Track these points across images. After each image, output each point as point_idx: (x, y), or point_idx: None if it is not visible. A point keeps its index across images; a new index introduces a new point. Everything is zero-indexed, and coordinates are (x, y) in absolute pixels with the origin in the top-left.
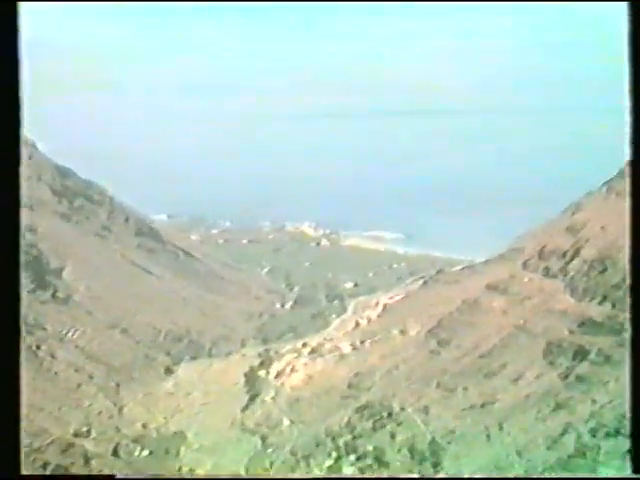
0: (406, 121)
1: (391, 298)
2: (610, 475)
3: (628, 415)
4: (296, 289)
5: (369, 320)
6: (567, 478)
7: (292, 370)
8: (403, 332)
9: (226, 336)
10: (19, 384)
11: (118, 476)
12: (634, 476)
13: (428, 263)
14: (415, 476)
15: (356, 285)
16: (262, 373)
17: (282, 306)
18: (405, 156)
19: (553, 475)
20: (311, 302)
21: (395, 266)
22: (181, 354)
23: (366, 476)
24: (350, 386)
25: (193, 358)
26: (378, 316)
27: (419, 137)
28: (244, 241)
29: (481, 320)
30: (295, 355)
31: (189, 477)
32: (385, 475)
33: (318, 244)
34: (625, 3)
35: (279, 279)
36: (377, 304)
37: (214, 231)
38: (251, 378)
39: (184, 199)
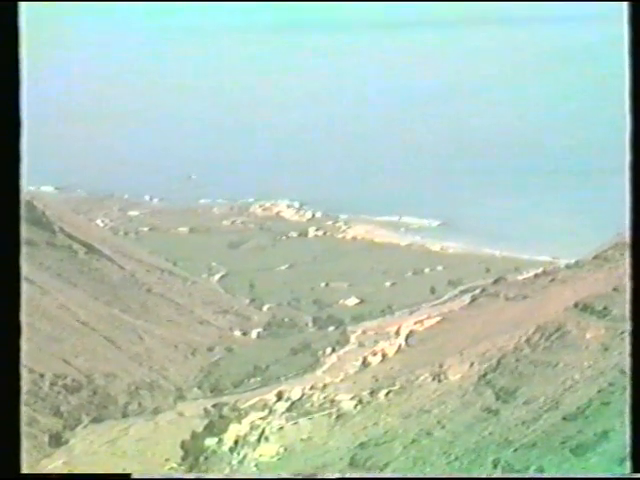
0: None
1: (420, 323)
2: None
3: (628, 415)
4: (267, 307)
5: (384, 357)
6: (567, 478)
7: (260, 438)
8: (439, 377)
9: (153, 383)
10: (19, 384)
11: (134, 475)
12: (634, 476)
13: (478, 265)
14: (414, 476)
15: (363, 301)
16: (211, 443)
17: (244, 334)
18: (422, 101)
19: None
20: (291, 328)
21: (427, 270)
22: (78, 413)
23: (366, 476)
24: (353, 464)
25: (98, 420)
26: (399, 351)
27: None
28: (182, 229)
29: (567, 359)
30: (264, 413)
31: (204, 477)
32: None
33: (304, 235)
34: (625, 3)
35: (240, 291)
36: (398, 332)
37: (132, 213)
38: (192, 451)
39: (81, 163)
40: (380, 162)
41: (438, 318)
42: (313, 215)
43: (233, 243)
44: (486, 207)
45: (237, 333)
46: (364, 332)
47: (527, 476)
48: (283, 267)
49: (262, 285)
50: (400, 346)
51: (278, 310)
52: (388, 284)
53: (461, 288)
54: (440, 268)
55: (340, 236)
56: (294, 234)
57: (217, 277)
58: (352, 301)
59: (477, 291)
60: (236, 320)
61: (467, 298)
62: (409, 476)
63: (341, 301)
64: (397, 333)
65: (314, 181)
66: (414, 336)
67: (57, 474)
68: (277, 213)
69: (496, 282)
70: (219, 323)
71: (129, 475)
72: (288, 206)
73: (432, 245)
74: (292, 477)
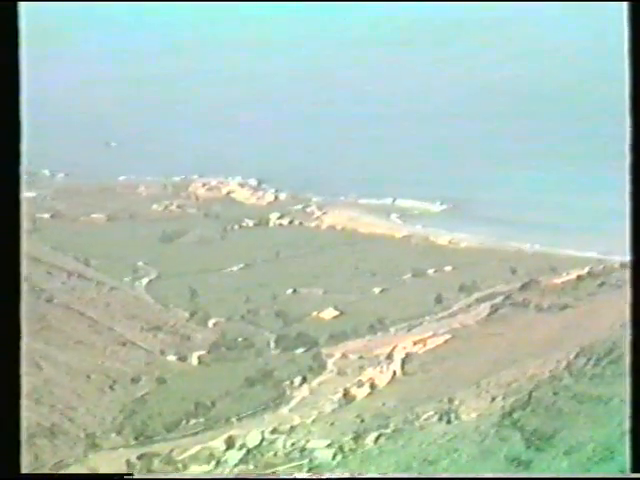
0: None
1: (421, 342)
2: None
3: (628, 415)
4: (213, 322)
5: (373, 389)
6: (566, 478)
7: None
8: (448, 416)
9: (55, 428)
10: (19, 384)
11: (135, 476)
12: (634, 476)
13: (500, 264)
14: (414, 476)
15: (343, 313)
16: None
17: (182, 359)
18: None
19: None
20: (246, 350)
21: (430, 272)
22: None
23: (366, 476)
24: None
25: None
26: (393, 381)
27: None
28: (96, 216)
29: (623, 391)
30: (210, 467)
31: (205, 477)
32: None
33: (263, 223)
34: (625, 3)
35: (176, 300)
36: (391, 355)
37: (27, 194)
38: None
39: None
40: (365, 128)
41: (446, 336)
42: (276, 197)
43: (167, 235)
44: (507, 185)
45: (172, 358)
46: (345, 355)
47: (527, 476)
48: (235, 267)
49: (206, 292)
50: (395, 374)
51: (228, 326)
52: (378, 290)
53: (477, 295)
54: (448, 268)
55: (313, 225)
56: (250, 222)
57: (145, 282)
58: (329, 313)
59: (499, 299)
60: (170, 340)
61: (485, 309)
62: (409, 476)
63: (314, 313)
64: (390, 357)
65: (277, 152)
66: (414, 361)
67: (57, 474)
68: (227, 194)
69: (525, 287)
70: (147, 344)
71: (130, 475)
72: (242, 184)
73: (437, 237)
74: (292, 477)
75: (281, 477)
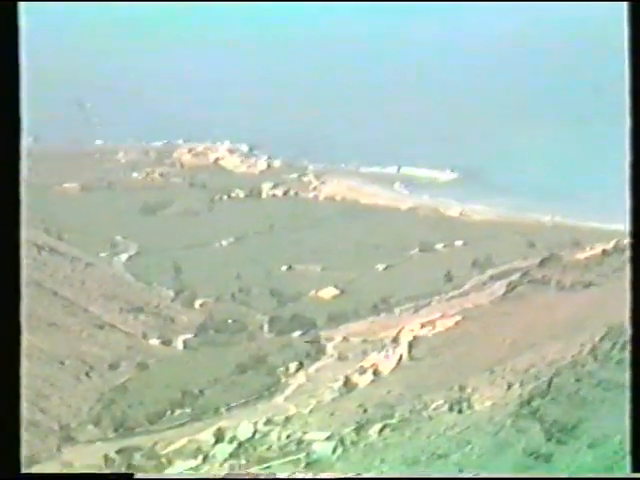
0: None
1: (430, 324)
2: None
3: (628, 416)
4: (200, 302)
5: (377, 375)
6: (567, 478)
7: None
8: (460, 406)
9: (25, 419)
10: (19, 383)
11: (137, 476)
12: (634, 476)
13: (516, 238)
14: (414, 476)
15: (344, 292)
16: None
17: (165, 343)
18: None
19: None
20: (237, 333)
21: (439, 246)
22: None
23: (366, 476)
24: None
25: None
26: (399, 367)
27: None
28: (70, 185)
29: None
30: (197, 462)
31: (204, 477)
32: None
33: (255, 194)
34: (625, 3)
35: (159, 278)
36: (397, 338)
37: None
38: None
39: None
40: (367, 89)
41: (457, 317)
42: (269, 164)
43: (148, 206)
44: (522, 149)
45: (154, 342)
46: (346, 339)
47: (528, 476)
48: (224, 242)
49: (193, 269)
50: (400, 359)
51: (217, 306)
52: (381, 267)
53: (491, 272)
54: (459, 243)
55: (310, 195)
56: (240, 193)
57: (124, 257)
58: (328, 292)
59: (515, 276)
60: (153, 322)
61: (501, 287)
62: (409, 476)
63: (312, 292)
64: (396, 340)
65: (269, 114)
66: (422, 344)
67: (57, 474)
68: (215, 161)
69: (544, 263)
70: (127, 327)
71: (130, 475)
72: (231, 151)
73: (447, 208)
74: (293, 477)
75: (282, 477)
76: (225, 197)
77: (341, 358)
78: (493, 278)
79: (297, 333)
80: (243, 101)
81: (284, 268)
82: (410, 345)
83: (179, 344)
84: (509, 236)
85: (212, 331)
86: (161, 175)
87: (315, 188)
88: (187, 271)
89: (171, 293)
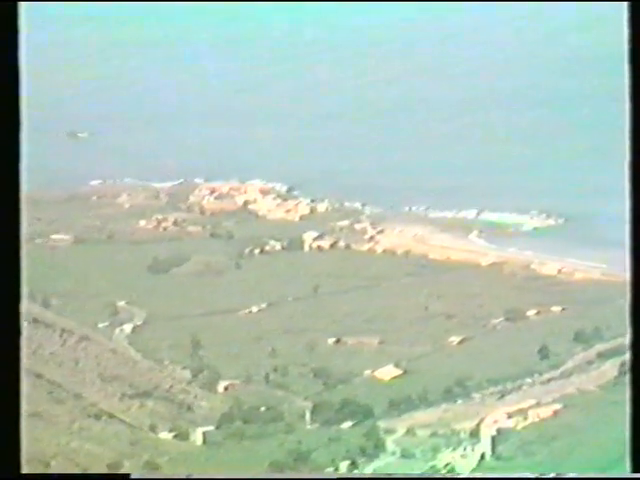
0: None
1: (520, 414)
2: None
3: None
4: (225, 385)
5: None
6: (568, 478)
7: None
8: None
9: None
10: (19, 386)
11: (133, 476)
12: (634, 476)
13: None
14: (415, 476)
15: (407, 372)
16: None
17: (180, 437)
18: None
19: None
20: (272, 423)
21: (531, 313)
22: None
23: (365, 476)
24: None
25: None
26: (479, 466)
27: None
28: (61, 237)
29: None
30: None
31: (204, 477)
32: None
33: (297, 246)
34: (625, 3)
35: (172, 354)
36: (476, 431)
37: None
38: None
39: None
40: (434, 121)
41: (556, 406)
42: (312, 208)
43: (159, 263)
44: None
45: (166, 435)
46: (411, 431)
47: (528, 476)
48: (255, 308)
49: (214, 343)
50: (482, 459)
51: (246, 390)
52: (456, 340)
53: (600, 348)
54: (557, 309)
55: (364, 248)
56: (276, 245)
57: (128, 328)
58: (388, 372)
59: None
60: (164, 410)
61: (613, 367)
62: (409, 476)
63: (366, 372)
64: (475, 434)
65: (311, 148)
66: (510, 440)
67: (57, 474)
68: (244, 204)
69: None
70: (131, 417)
71: (129, 475)
72: (264, 191)
73: (541, 264)
74: (299, 477)
75: (291, 477)
76: (257, 251)
77: (406, 456)
78: (602, 356)
79: (348, 424)
80: (277, 130)
81: (331, 341)
82: (494, 440)
83: (198, 438)
84: (621, 301)
85: (239, 421)
86: (175, 223)
87: (371, 238)
88: (207, 345)
89: (187, 374)
